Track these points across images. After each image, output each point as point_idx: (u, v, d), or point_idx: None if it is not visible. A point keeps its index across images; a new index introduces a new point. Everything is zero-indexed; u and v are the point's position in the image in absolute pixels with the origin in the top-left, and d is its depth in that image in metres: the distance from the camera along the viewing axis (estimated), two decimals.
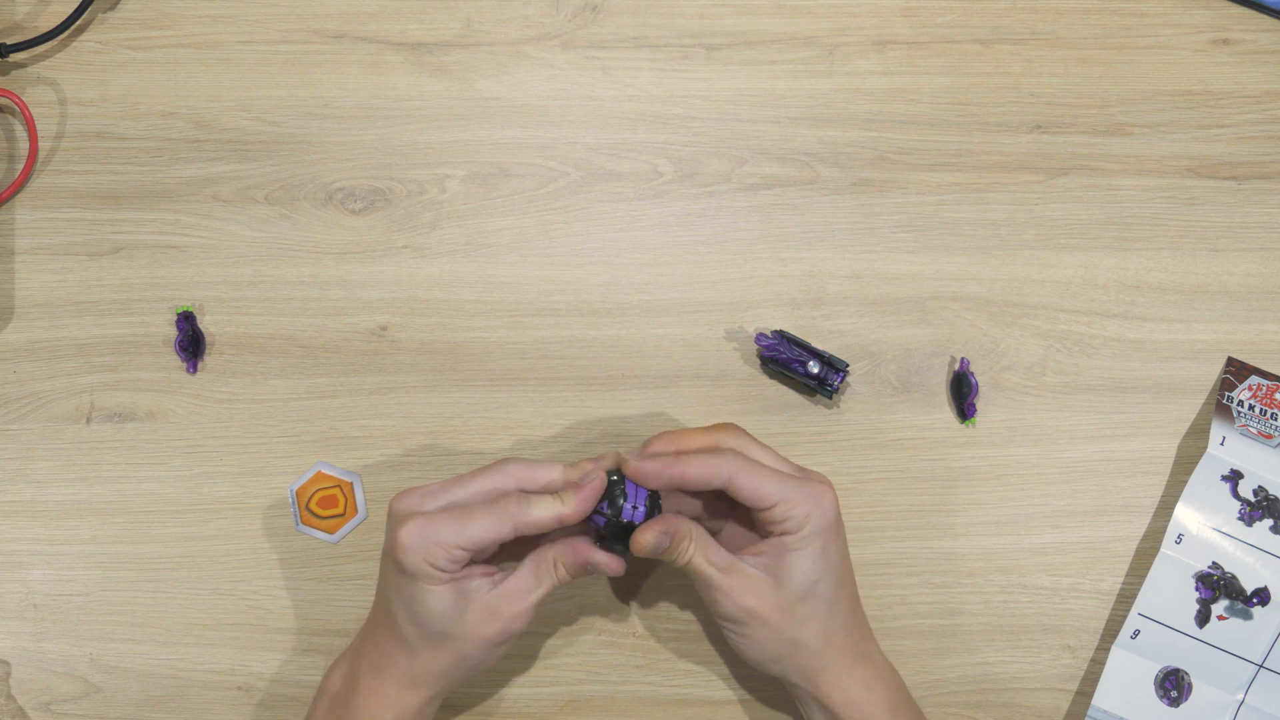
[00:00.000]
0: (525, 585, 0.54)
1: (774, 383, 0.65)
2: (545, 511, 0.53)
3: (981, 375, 0.65)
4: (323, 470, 0.63)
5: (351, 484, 0.63)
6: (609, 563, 0.55)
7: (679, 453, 0.54)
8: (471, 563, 0.53)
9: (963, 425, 0.64)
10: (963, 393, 0.64)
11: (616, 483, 0.54)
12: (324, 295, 0.65)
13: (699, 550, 0.54)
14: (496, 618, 0.53)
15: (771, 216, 0.66)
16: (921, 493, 0.64)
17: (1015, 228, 0.66)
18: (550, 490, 0.54)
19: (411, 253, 0.66)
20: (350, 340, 0.65)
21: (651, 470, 0.54)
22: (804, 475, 0.55)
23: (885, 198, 0.67)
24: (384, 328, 0.65)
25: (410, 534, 0.52)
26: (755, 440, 0.56)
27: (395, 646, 0.54)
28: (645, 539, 0.53)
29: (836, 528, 0.55)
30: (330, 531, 0.63)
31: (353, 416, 0.64)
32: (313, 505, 0.63)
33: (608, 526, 0.54)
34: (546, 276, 0.66)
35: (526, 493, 0.53)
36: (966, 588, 0.63)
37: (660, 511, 0.55)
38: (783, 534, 0.54)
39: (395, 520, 0.53)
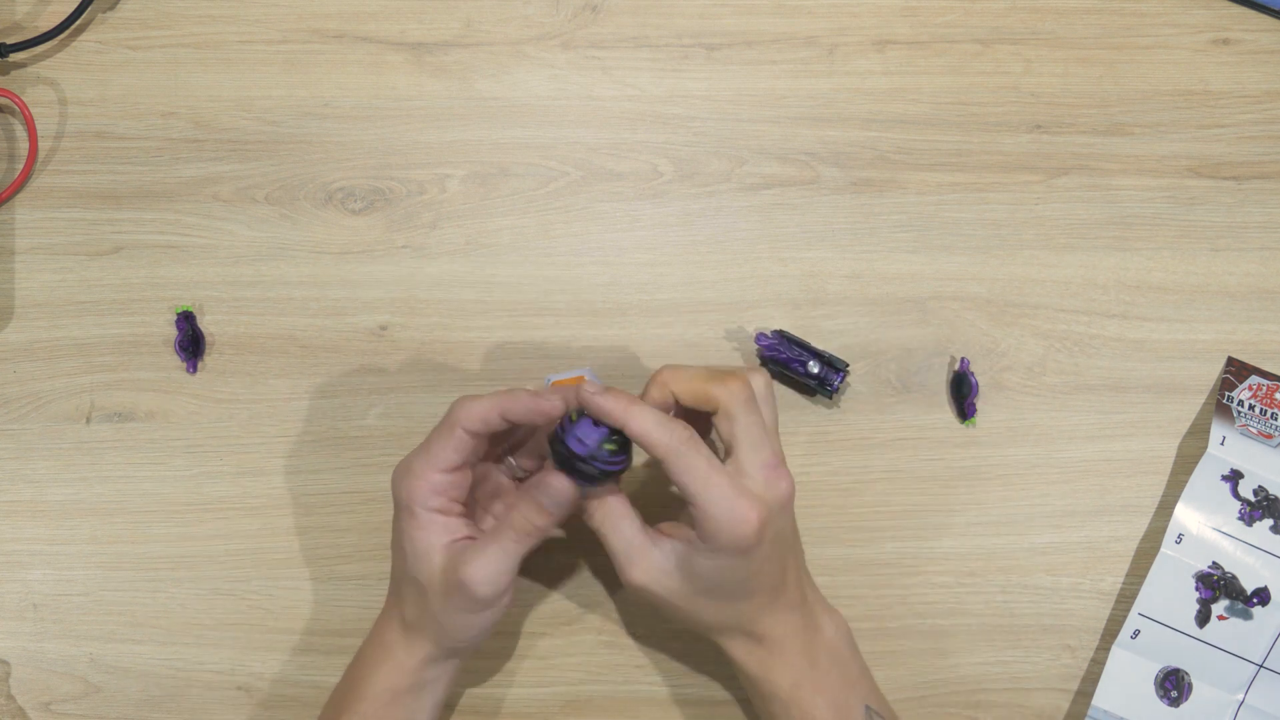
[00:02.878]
0: (485, 551, 0.53)
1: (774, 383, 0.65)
2: (484, 401, 0.53)
3: (981, 375, 0.65)
4: (587, 378, 0.60)
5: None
6: (555, 481, 0.55)
7: (633, 401, 0.52)
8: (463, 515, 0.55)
9: (963, 425, 0.64)
10: (963, 393, 0.64)
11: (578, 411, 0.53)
12: (324, 295, 0.65)
13: (607, 518, 0.54)
14: (458, 569, 0.52)
15: (771, 216, 0.66)
16: (921, 493, 0.64)
17: (1015, 228, 0.66)
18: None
19: (411, 253, 0.66)
20: (350, 340, 0.65)
21: (597, 406, 0.52)
22: (740, 491, 0.51)
23: (885, 198, 0.67)
24: (384, 328, 0.65)
25: (398, 478, 0.54)
26: (757, 411, 0.53)
27: (390, 596, 0.57)
28: (561, 484, 0.53)
29: (751, 550, 0.52)
30: None
31: (353, 416, 0.64)
32: None
33: (560, 451, 0.53)
34: (546, 276, 0.66)
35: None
36: (966, 588, 0.63)
37: (628, 451, 0.53)
38: (698, 536, 0.52)
39: (392, 483, 0.55)
